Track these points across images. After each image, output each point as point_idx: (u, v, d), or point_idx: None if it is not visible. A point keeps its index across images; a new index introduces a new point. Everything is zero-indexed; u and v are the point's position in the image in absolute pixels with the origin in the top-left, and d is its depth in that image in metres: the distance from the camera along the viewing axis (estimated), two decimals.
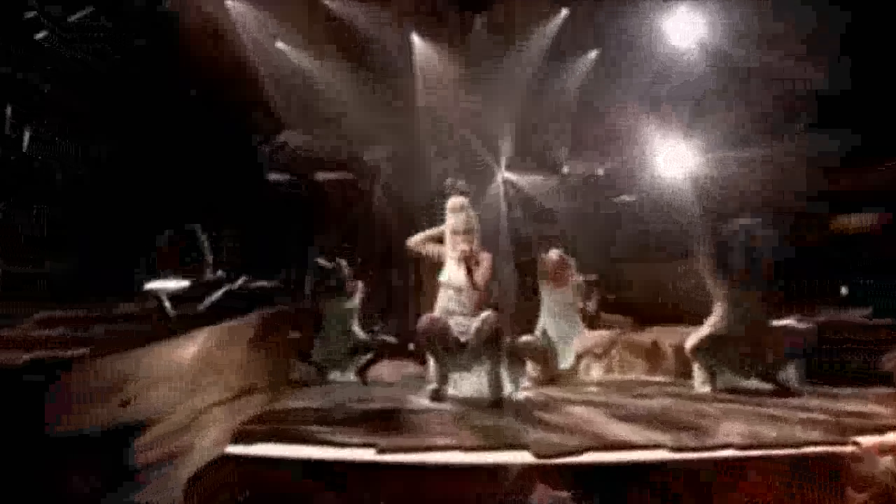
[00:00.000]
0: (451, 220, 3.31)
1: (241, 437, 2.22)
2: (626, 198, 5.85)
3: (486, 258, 3.33)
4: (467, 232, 3.28)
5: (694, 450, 2.25)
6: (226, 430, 2.18)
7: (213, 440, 2.08)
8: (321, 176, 5.72)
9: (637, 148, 5.56)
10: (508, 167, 6.04)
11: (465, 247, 3.22)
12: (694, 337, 3.53)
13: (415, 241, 3.37)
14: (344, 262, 4.19)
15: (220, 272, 3.26)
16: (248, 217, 4.59)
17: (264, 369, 2.48)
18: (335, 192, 5.82)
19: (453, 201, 3.41)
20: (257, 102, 5.19)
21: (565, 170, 6.04)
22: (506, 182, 6.05)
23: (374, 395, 3.40)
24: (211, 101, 4.46)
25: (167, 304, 2.43)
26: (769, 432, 2.45)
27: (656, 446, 2.28)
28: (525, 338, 3.98)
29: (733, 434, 2.44)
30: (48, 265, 3.28)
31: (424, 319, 3.20)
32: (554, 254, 4.26)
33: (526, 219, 5.93)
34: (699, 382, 3.62)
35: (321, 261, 4.08)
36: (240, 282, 2.81)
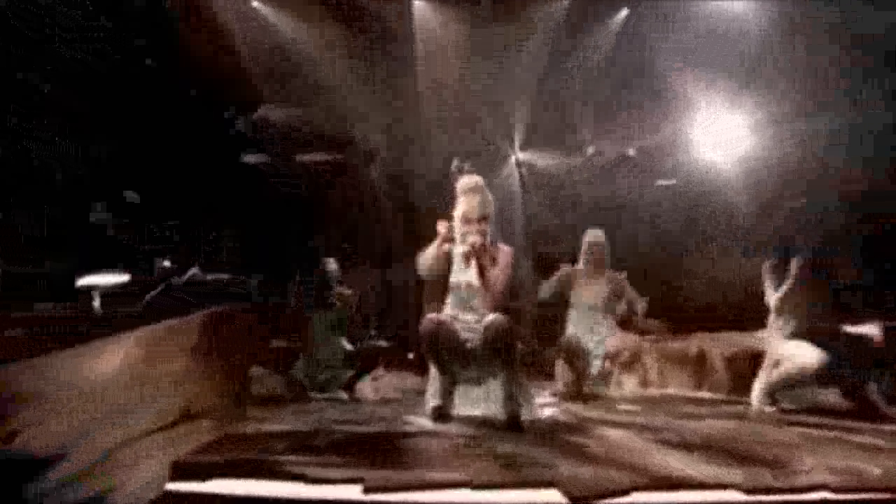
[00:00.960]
0: (463, 205, 2.91)
1: (186, 471, 1.92)
2: (664, 182, 5.72)
3: (504, 253, 2.92)
4: (482, 220, 2.85)
5: (776, 491, 1.95)
6: (165, 463, 1.87)
7: (147, 477, 1.78)
8: (306, 158, 5.61)
9: (677, 123, 5.42)
10: (524, 147, 5.99)
11: (476, 238, 2.84)
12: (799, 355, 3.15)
13: (426, 264, 2.92)
14: (332, 263, 3.96)
15: (166, 262, 3.01)
16: (225, 207, 4.59)
17: (216, 384, 2.19)
18: (323, 177, 5.69)
19: (466, 181, 3.06)
20: (229, 70, 5.04)
21: (590, 150, 5.90)
22: (521, 164, 6.01)
23: (363, 415, 3.19)
24: (170, 67, 4.38)
25: (96, 302, 2.13)
26: (870, 468, 2.13)
27: (724, 486, 1.97)
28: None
29: (823, 470, 2.13)
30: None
31: (428, 321, 2.89)
32: (596, 234, 3.98)
33: (545, 207, 5.88)
34: (759, 400, 3.34)
35: (331, 263, 3.85)
36: (189, 274, 2.53)
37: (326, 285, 3.82)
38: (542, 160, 5.94)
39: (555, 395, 3.68)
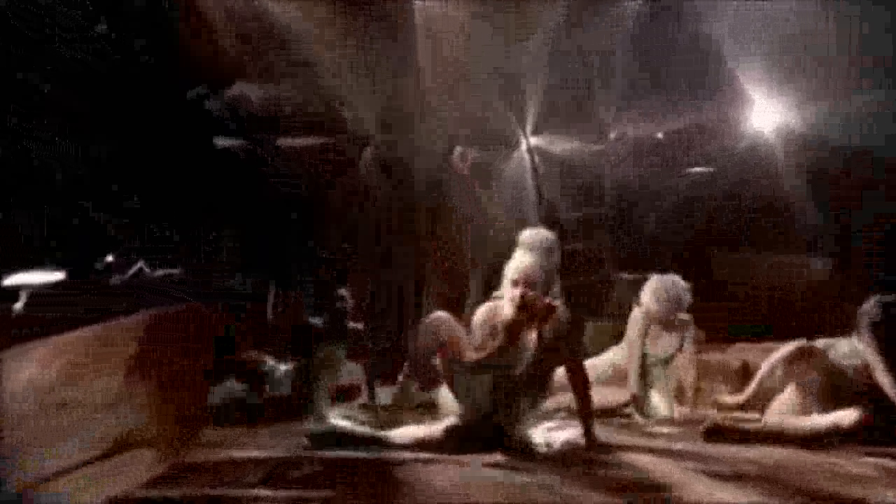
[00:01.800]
0: (516, 261, 2.82)
1: None
2: (698, 169, 5.62)
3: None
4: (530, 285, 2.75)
5: None
6: (97, 501, 1.68)
7: None
8: (288, 142, 5.48)
9: (713, 103, 5.32)
10: (537, 131, 5.85)
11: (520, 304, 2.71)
12: None
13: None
14: (346, 293, 4.02)
15: (110, 257, 2.91)
16: (193, 194, 4.63)
17: (163, 404, 2.00)
18: (308, 165, 5.56)
19: (532, 236, 3.08)
20: (200, 41, 4.94)
21: (613, 133, 5.82)
22: (534, 150, 5.91)
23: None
24: (132, 34, 4.46)
25: (19, 304, 1.96)
26: None
27: None
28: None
29: None
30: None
31: (431, 323, 2.83)
32: (674, 283, 3.82)
33: (562, 198, 5.79)
34: (814, 422, 3.15)
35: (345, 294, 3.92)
36: (133, 270, 2.39)
37: (341, 316, 3.89)
38: (558, 145, 5.86)
39: (559, 410, 3.52)
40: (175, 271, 3.42)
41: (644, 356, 3.87)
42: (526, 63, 5.58)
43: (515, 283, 2.75)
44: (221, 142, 5.17)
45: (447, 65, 5.54)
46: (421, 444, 2.74)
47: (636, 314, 3.92)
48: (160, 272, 3.67)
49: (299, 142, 5.53)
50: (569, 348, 2.82)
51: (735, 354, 4.22)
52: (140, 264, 2.98)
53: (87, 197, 4.13)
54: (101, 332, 1.97)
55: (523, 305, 2.71)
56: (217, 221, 4.88)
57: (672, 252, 5.12)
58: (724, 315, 4.79)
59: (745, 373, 4.06)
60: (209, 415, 2.88)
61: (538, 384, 2.82)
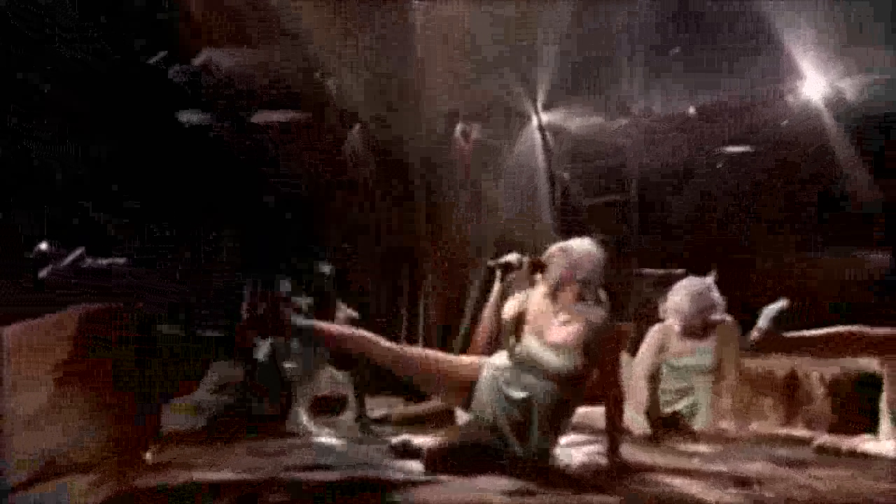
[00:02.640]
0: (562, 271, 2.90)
1: None
2: (734, 149, 5.54)
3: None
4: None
5: None
6: None
7: None
8: (263, 118, 5.40)
9: (754, 72, 5.25)
10: (549, 105, 5.83)
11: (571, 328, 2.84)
12: None
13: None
14: (327, 266, 4.05)
15: (43, 245, 2.92)
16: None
17: (99, 417, 1.89)
18: (287, 145, 5.48)
19: (577, 250, 3.05)
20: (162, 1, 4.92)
21: (638, 107, 5.77)
22: (546, 128, 5.87)
23: (337, 456, 3.12)
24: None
25: None
26: None
27: None
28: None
29: None
30: None
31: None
32: (704, 287, 3.79)
33: (579, 182, 5.74)
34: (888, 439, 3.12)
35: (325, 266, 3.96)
36: (72, 258, 2.34)
37: (326, 300, 3.87)
38: (574, 122, 5.83)
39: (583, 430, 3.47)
40: (121, 261, 3.49)
41: (681, 368, 3.81)
42: (538, 28, 5.51)
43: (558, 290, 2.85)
44: (186, 117, 5.10)
45: (447, 30, 5.47)
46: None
47: (653, 330, 3.89)
48: (104, 261, 3.81)
49: (276, 118, 5.45)
50: (605, 354, 2.83)
51: (781, 362, 4.14)
52: (80, 251, 2.93)
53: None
54: (23, 333, 1.84)
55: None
56: (187, 209, 4.94)
57: (705, 245, 5.07)
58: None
59: (793, 383, 4.03)
60: (159, 428, 2.78)
61: (569, 395, 2.81)
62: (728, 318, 3.83)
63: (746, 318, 4.75)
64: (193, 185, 4.81)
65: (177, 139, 4.92)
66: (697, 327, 3.77)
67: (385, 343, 2.99)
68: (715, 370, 3.81)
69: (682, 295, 3.79)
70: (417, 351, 3.27)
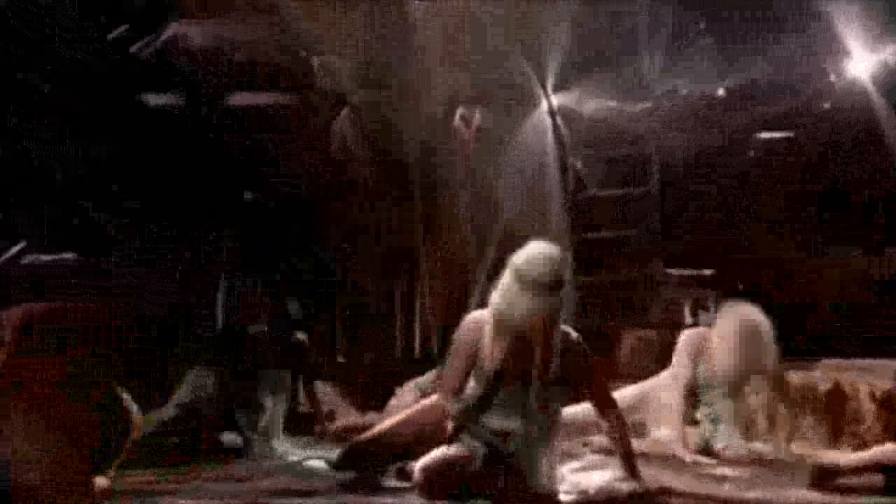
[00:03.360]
0: (517, 310, 2.59)
1: None
2: (771, 134, 5.49)
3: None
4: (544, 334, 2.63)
5: None
6: None
7: None
8: (240, 99, 5.41)
9: (792, 49, 5.18)
10: (561, 87, 5.80)
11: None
12: None
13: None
14: (295, 306, 4.27)
15: None
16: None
17: (41, 436, 1.81)
18: (267, 130, 5.47)
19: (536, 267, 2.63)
20: None
21: (660, 89, 5.72)
22: (556, 112, 5.84)
23: (315, 480, 3.11)
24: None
25: None
26: None
27: None
28: None
29: None
30: None
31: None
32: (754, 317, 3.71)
33: (594, 172, 5.68)
34: None
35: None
36: (10, 253, 2.42)
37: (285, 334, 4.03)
38: (588, 105, 5.79)
39: (587, 445, 3.50)
40: (69, 256, 3.67)
41: (704, 384, 3.74)
42: (547, 4, 5.45)
43: (521, 338, 2.58)
44: (153, 99, 5.13)
45: (448, 3, 5.43)
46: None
47: (690, 334, 3.80)
48: (48, 257, 4.01)
49: (254, 100, 5.45)
50: (586, 379, 2.77)
51: (824, 374, 4.10)
52: (21, 245, 3.06)
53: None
54: None
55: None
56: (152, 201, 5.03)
57: (736, 243, 5.05)
58: (806, 325, 4.71)
59: (838, 399, 3.95)
60: (122, 449, 2.74)
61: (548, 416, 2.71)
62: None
63: (784, 324, 4.76)
64: (177, 178, 4.95)
65: (149, 124, 5.01)
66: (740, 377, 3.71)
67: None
68: (743, 386, 3.76)
69: (730, 331, 3.67)
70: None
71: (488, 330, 2.62)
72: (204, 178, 5.23)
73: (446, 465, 2.64)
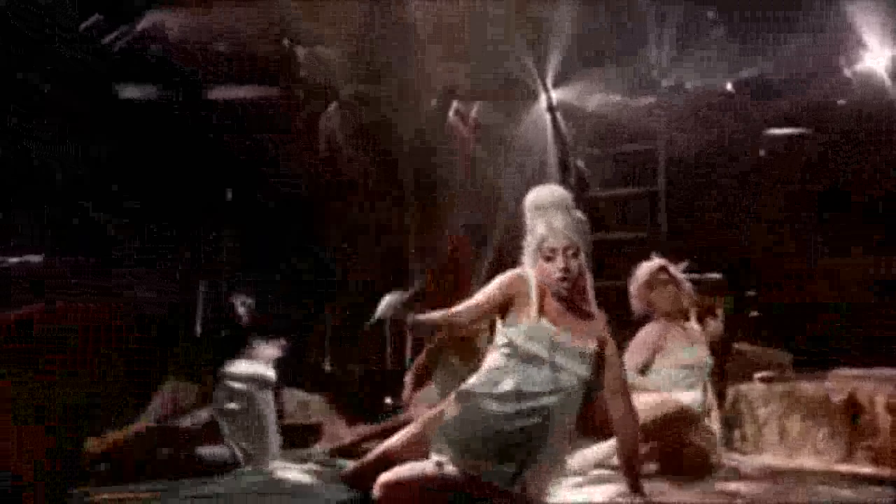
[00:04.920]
0: (543, 227, 2.74)
1: None
2: (783, 130, 5.51)
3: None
4: (572, 251, 2.70)
5: None
6: None
7: None
8: (221, 93, 5.42)
9: (804, 42, 5.18)
10: (561, 80, 5.80)
11: (567, 281, 2.67)
12: None
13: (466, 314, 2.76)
14: (247, 303, 4.14)
15: None
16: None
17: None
18: (249, 126, 5.47)
19: (544, 195, 2.95)
20: None
21: (667, 82, 5.68)
22: (556, 107, 5.84)
23: (306, 494, 3.11)
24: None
25: None
26: None
27: None
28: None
29: None
30: None
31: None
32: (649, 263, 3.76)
33: (594, 170, 5.70)
34: None
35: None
36: None
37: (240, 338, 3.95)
38: (590, 100, 5.80)
39: (600, 465, 3.41)
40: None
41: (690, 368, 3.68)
42: None
43: (551, 255, 2.65)
44: (128, 92, 5.13)
45: None
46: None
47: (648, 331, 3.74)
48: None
49: (237, 93, 5.45)
50: (614, 372, 2.69)
51: (838, 385, 4.07)
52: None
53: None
54: None
55: (566, 279, 2.62)
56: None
57: (747, 244, 5.06)
58: (818, 332, 4.75)
59: (853, 410, 3.93)
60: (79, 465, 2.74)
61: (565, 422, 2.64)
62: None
63: (796, 328, 4.73)
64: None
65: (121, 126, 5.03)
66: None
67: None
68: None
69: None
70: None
71: (533, 285, 2.65)
72: (203, 178, 5.32)
73: (410, 484, 2.54)
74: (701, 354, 3.69)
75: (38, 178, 4.73)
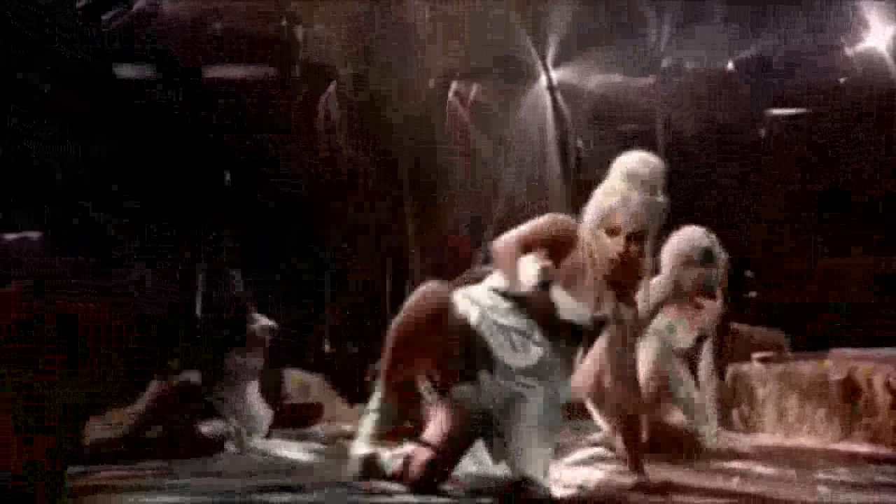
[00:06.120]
0: (617, 199, 2.49)
1: None
2: (782, 111, 5.52)
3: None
4: (637, 236, 2.47)
5: None
6: None
7: None
8: (218, 73, 5.41)
9: (805, 20, 5.21)
10: (561, 60, 5.81)
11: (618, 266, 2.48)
12: None
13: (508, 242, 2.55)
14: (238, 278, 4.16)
15: None
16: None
17: None
18: (247, 106, 5.43)
19: (634, 162, 2.57)
20: None
21: (665, 62, 5.69)
22: (556, 87, 5.84)
23: (304, 473, 3.07)
24: None
25: None
26: None
27: None
28: None
29: None
30: None
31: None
32: (700, 237, 3.50)
33: (594, 150, 5.66)
34: None
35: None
36: None
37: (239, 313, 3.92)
38: (590, 79, 5.80)
39: (598, 444, 3.38)
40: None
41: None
42: None
43: (614, 232, 2.43)
44: (124, 71, 5.14)
45: None
46: None
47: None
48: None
49: (234, 73, 5.43)
50: (625, 350, 2.62)
51: (836, 365, 4.07)
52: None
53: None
54: None
55: (624, 263, 2.43)
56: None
57: (753, 228, 5.07)
58: (818, 332, 4.71)
59: (850, 390, 3.93)
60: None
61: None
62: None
63: (796, 313, 4.74)
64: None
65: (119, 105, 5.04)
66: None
67: None
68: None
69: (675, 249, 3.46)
70: None
71: (587, 234, 2.47)
72: (201, 171, 5.31)
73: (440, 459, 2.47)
74: (688, 340, 3.60)
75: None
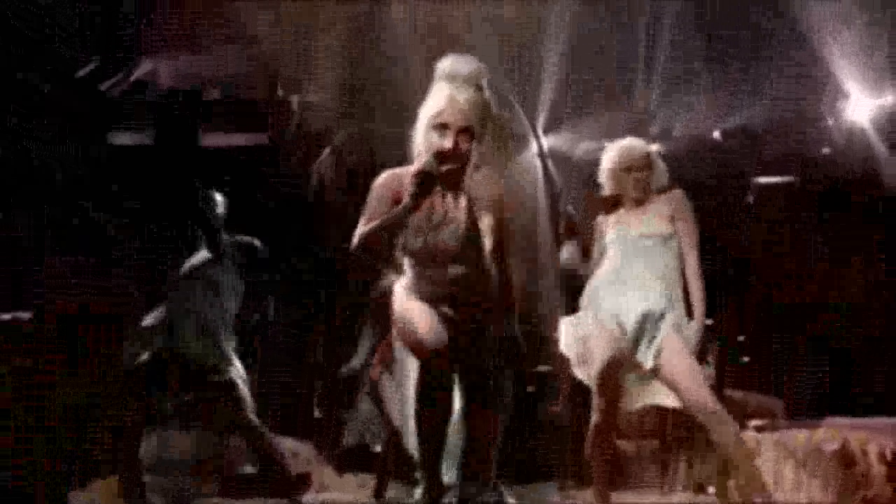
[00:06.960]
0: (443, 99, 2.42)
1: None
2: (768, 179, 5.63)
3: (493, 187, 2.47)
4: (465, 130, 2.39)
5: None
6: None
7: None
8: (215, 140, 5.45)
9: (790, 92, 5.27)
10: (551, 127, 5.87)
11: (449, 160, 2.35)
12: None
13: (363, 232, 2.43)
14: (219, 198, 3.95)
15: None
16: None
17: None
18: (241, 172, 5.37)
19: (456, 63, 2.48)
20: None
21: (654, 130, 5.73)
22: (546, 154, 5.91)
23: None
24: None
25: None
26: None
27: None
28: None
29: None
30: None
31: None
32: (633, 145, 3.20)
33: (588, 215, 5.53)
34: None
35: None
36: None
37: (210, 227, 3.71)
38: (580, 146, 5.80)
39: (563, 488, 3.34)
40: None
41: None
42: (539, 36, 5.48)
43: (442, 128, 2.35)
44: (122, 139, 5.18)
45: (430, 31, 5.35)
46: None
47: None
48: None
49: (228, 141, 5.45)
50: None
51: (831, 433, 4.07)
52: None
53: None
54: None
55: (450, 156, 2.31)
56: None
57: (736, 291, 5.04)
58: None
59: (846, 460, 3.92)
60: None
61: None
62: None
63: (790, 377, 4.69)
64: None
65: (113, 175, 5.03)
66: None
67: None
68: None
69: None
70: None
71: (420, 141, 2.40)
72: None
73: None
74: (660, 226, 3.02)
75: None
